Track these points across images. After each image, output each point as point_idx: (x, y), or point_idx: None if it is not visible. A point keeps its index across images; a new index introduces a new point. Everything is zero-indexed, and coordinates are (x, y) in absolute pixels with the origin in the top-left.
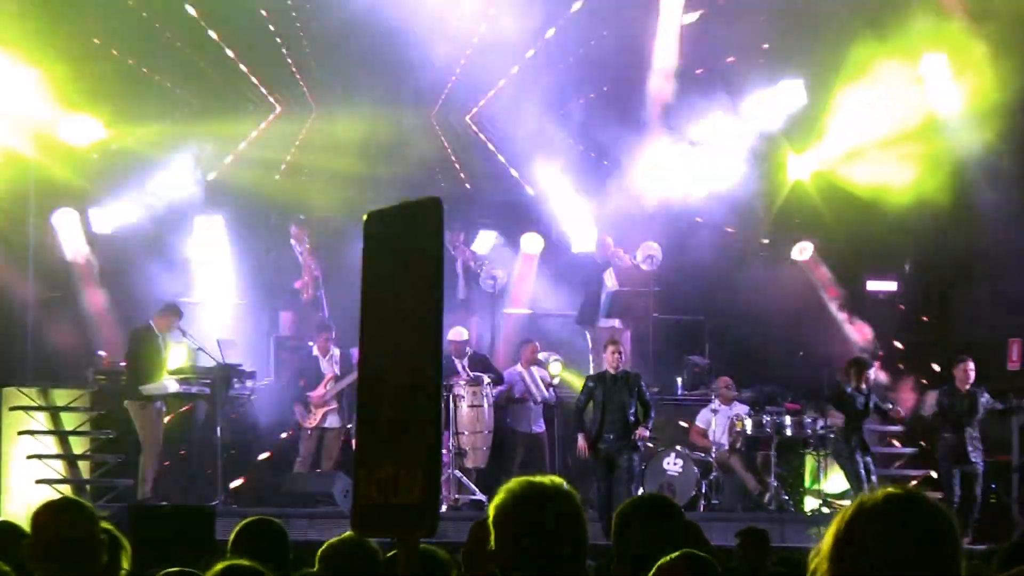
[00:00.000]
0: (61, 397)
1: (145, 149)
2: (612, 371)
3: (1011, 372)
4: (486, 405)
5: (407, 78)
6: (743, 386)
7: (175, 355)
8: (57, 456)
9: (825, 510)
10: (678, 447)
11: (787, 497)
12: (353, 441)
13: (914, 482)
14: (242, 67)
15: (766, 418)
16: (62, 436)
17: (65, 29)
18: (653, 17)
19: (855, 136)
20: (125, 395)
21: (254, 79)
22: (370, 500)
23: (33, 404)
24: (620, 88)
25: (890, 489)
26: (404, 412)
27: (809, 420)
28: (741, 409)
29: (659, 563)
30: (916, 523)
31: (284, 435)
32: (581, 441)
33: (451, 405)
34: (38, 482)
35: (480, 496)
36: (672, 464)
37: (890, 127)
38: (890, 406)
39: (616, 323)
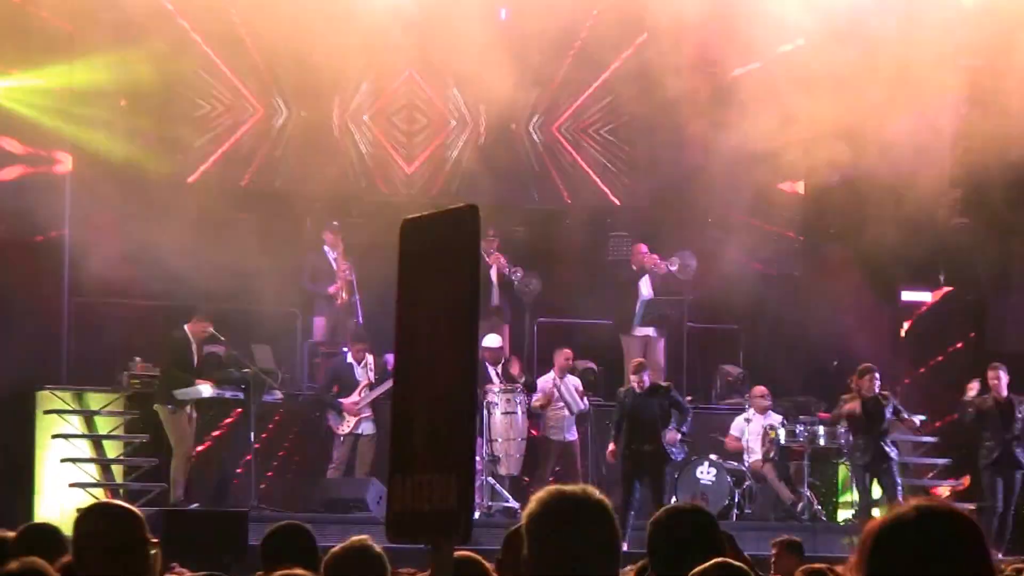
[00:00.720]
0: (95, 401)
1: None
2: (638, 390)
3: None
4: (519, 412)
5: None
6: (778, 395)
7: (208, 361)
8: (91, 460)
9: (858, 521)
10: (712, 456)
11: (820, 507)
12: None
13: (947, 493)
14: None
15: (799, 428)
16: (96, 440)
17: None
18: None
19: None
20: (156, 400)
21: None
22: (404, 506)
23: (67, 407)
24: None
25: (921, 501)
26: (439, 419)
27: (843, 430)
28: (775, 419)
29: (693, 572)
30: (946, 536)
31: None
32: (611, 446)
33: (485, 412)
34: (72, 485)
35: (513, 503)
36: (705, 473)
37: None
38: (905, 415)
39: (651, 331)
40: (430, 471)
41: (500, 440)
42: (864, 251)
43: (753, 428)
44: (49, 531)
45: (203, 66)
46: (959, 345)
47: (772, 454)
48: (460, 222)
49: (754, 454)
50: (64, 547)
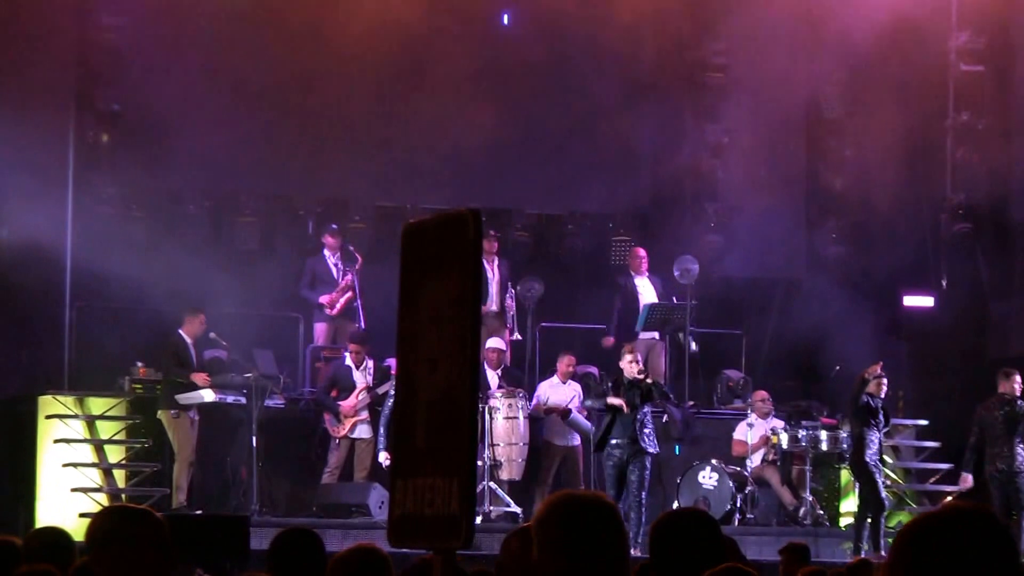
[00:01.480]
0: (97, 405)
1: None
2: (628, 378)
3: None
4: (521, 417)
5: None
6: (779, 400)
7: (212, 366)
8: (93, 464)
9: None
10: (713, 461)
11: (822, 512)
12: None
13: (949, 498)
14: None
15: (801, 432)
16: (98, 444)
17: None
18: None
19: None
20: (159, 405)
21: None
22: (406, 511)
23: (69, 412)
24: None
25: (957, 503)
26: (441, 423)
27: (844, 435)
28: (777, 423)
29: None
30: (983, 539)
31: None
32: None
33: (486, 417)
34: (74, 490)
35: (515, 508)
36: (707, 478)
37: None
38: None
39: (655, 336)
40: (432, 475)
41: (501, 445)
42: (866, 256)
43: (755, 433)
44: (57, 535)
45: None
46: (961, 350)
47: (771, 458)
48: (461, 226)
49: (756, 459)
50: (72, 551)
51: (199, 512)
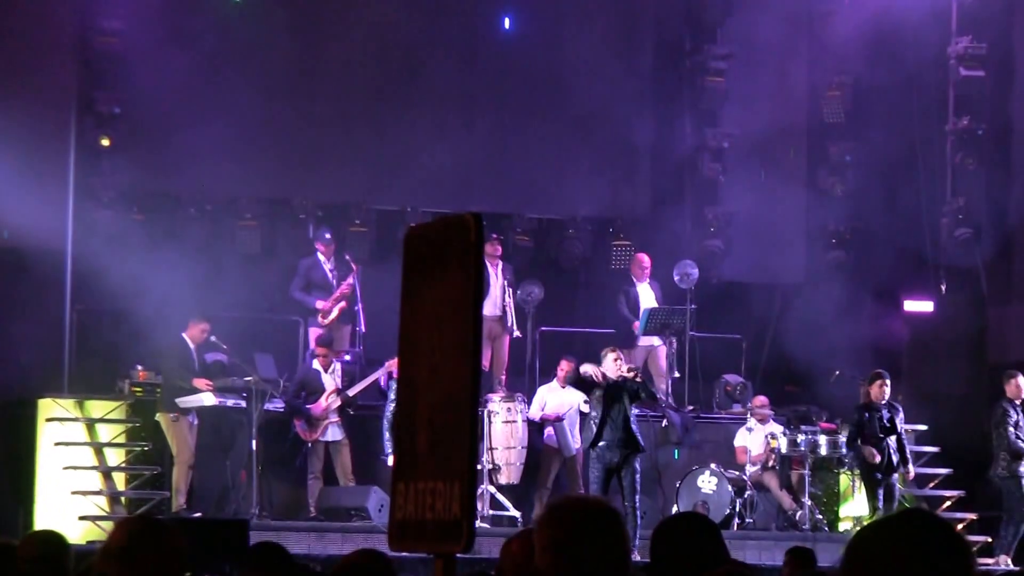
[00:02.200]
0: (97, 408)
1: None
2: (613, 378)
3: None
4: (520, 421)
5: None
6: (779, 405)
7: (214, 369)
8: (92, 468)
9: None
10: (712, 465)
11: (821, 516)
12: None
13: (946, 504)
14: None
15: (800, 437)
16: (97, 448)
17: None
18: None
19: None
20: (159, 408)
21: None
22: (407, 515)
23: (69, 415)
24: None
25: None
26: (442, 427)
27: (844, 440)
28: (776, 428)
29: None
30: (924, 542)
31: None
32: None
33: (485, 421)
34: (73, 493)
35: (513, 512)
36: (706, 482)
37: None
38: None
39: (656, 340)
40: (433, 479)
41: (500, 448)
42: (865, 261)
43: (754, 438)
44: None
45: None
46: (960, 355)
47: (771, 463)
48: (463, 230)
49: (755, 464)
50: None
51: (198, 515)
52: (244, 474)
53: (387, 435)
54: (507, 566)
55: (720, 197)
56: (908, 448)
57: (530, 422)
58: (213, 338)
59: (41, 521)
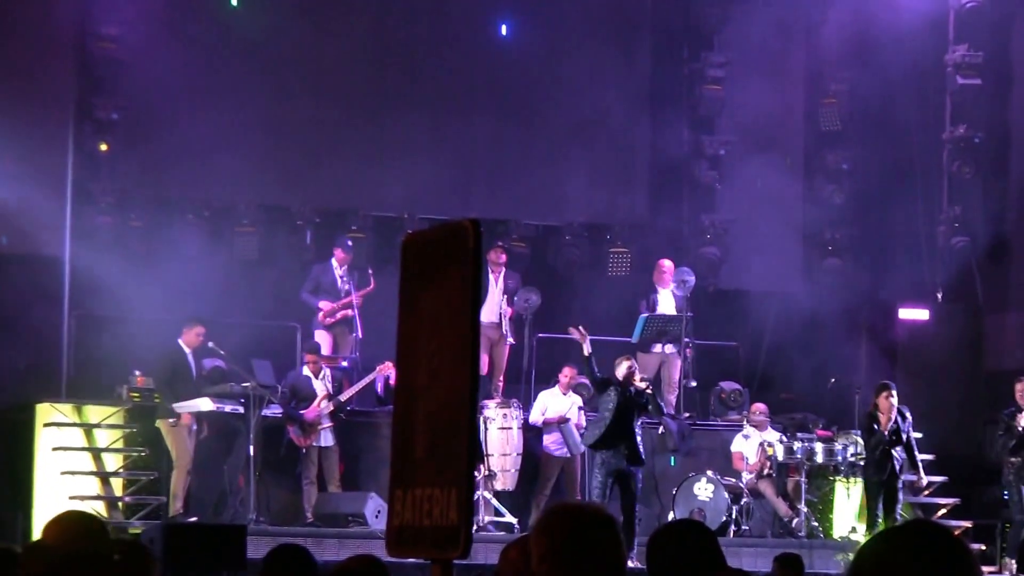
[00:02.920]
0: (95, 414)
1: None
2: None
3: None
4: (516, 427)
5: None
6: (775, 412)
7: (213, 376)
8: (91, 473)
9: (854, 537)
10: (709, 472)
11: (817, 524)
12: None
13: (942, 511)
14: None
15: (796, 444)
16: (95, 453)
17: None
18: None
19: None
20: (158, 414)
21: None
22: (404, 521)
23: (67, 421)
24: None
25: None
26: (439, 434)
27: (840, 447)
28: (773, 435)
29: None
30: (930, 553)
31: None
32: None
33: (481, 427)
34: (72, 498)
35: (510, 518)
36: (703, 489)
37: None
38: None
39: (668, 348)
40: (431, 485)
41: (496, 455)
42: (862, 268)
43: (751, 445)
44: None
45: None
46: (956, 364)
47: (766, 471)
48: (461, 236)
49: (751, 471)
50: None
51: (195, 520)
52: (242, 480)
53: None
54: (506, 572)
55: (717, 204)
56: (919, 457)
57: (527, 428)
58: (211, 344)
59: (38, 528)
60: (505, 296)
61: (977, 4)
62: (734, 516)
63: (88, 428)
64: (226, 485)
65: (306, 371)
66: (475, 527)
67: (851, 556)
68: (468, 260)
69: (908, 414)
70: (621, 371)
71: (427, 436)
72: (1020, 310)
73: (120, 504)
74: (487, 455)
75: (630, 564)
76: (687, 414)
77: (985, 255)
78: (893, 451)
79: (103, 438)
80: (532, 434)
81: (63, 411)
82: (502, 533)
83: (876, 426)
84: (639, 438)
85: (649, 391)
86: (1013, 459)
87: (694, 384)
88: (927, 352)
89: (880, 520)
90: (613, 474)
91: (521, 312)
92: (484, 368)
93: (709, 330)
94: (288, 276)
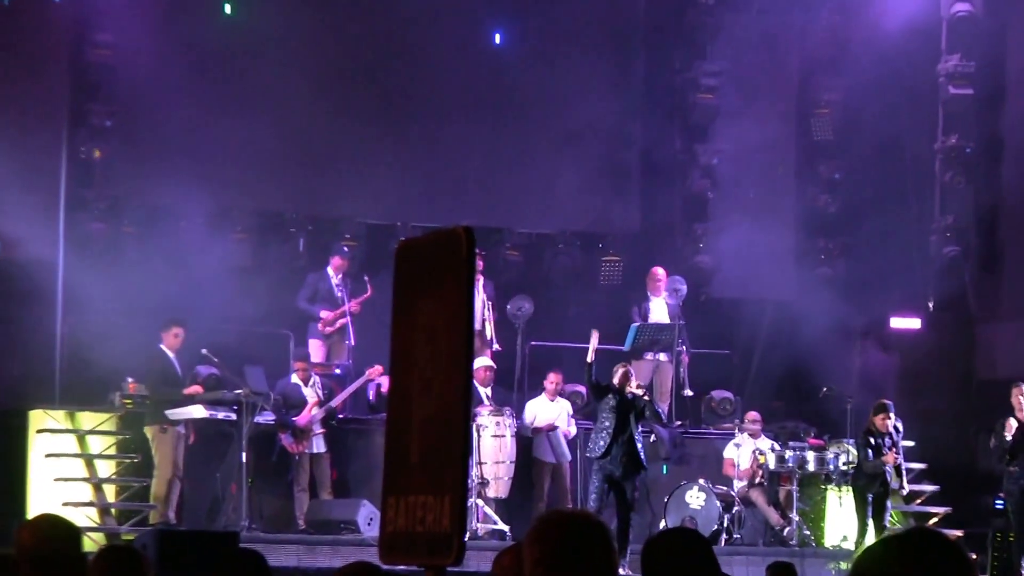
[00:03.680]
0: (88, 420)
1: None
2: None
3: None
4: (508, 435)
5: None
6: (767, 421)
7: (208, 383)
8: (83, 479)
9: (846, 546)
10: (701, 481)
11: (808, 532)
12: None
13: (934, 520)
14: None
15: (788, 453)
16: (88, 459)
17: None
18: None
19: None
20: (146, 420)
21: None
22: (398, 528)
23: (60, 427)
24: None
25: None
26: (433, 441)
27: (831, 456)
28: (765, 444)
29: None
30: (930, 560)
31: None
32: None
33: (474, 434)
34: (64, 505)
35: (502, 526)
36: (695, 498)
37: None
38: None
39: (662, 356)
40: (424, 493)
41: (489, 463)
42: (854, 277)
43: (743, 452)
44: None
45: None
46: (948, 372)
47: (757, 479)
48: (455, 244)
49: (742, 479)
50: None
51: (173, 524)
52: (234, 487)
53: None
54: None
55: (710, 213)
56: (903, 465)
57: (519, 436)
58: (204, 350)
59: None
60: (490, 302)
61: (968, 14)
62: (725, 524)
63: (81, 434)
64: (219, 492)
65: (295, 379)
66: (468, 534)
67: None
68: (461, 267)
69: (900, 427)
70: (617, 377)
71: (420, 443)
72: (1012, 319)
73: (113, 510)
74: (480, 463)
75: (622, 572)
76: (679, 422)
77: (977, 265)
78: (887, 467)
79: (96, 444)
80: (525, 442)
81: (56, 417)
82: (495, 540)
83: (870, 449)
84: (639, 444)
85: (646, 397)
86: (1012, 468)
87: (690, 393)
88: (919, 361)
89: (871, 529)
90: (609, 480)
91: (513, 320)
92: None
93: (701, 339)
94: (281, 283)
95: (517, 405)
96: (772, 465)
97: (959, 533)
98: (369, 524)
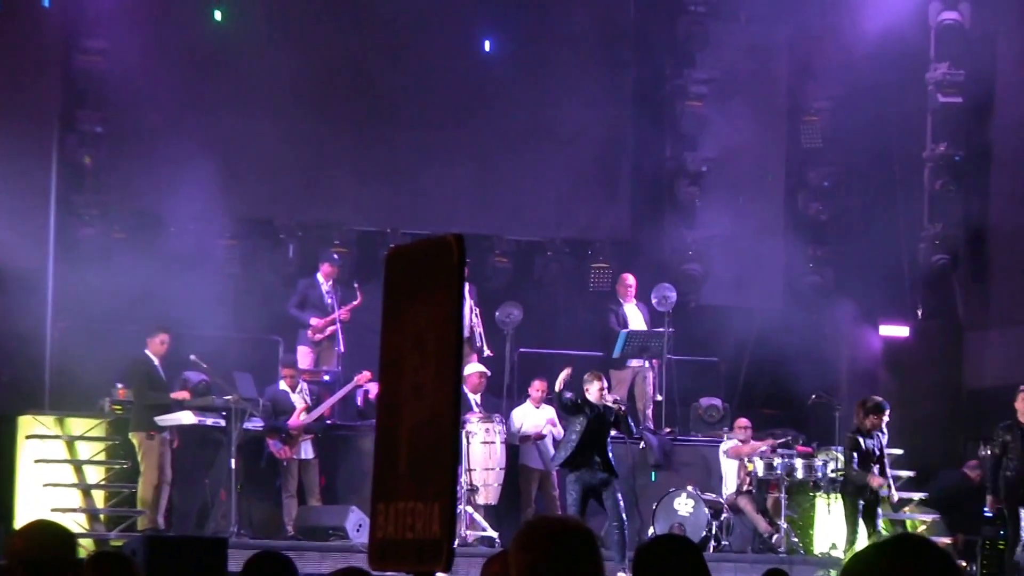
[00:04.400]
0: (77, 426)
1: None
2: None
3: None
4: (498, 442)
5: None
6: (755, 429)
7: (198, 389)
8: (72, 485)
9: (834, 553)
10: (689, 488)
11: (797, 539)
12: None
13: (922, 527)
14: None
15: (777, 461)
16: (77, 465)
17: None
18: None
19: None
20: (131, 427)
21: None
22: (387, 534)
23: (49, 433)
24: None
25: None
26: (422, 448)
27: (820, 463)
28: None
29: None
30: (918, 566)
31: None
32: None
33: (464, 441)
34: (53, 510)
35: (492, 533)
36: (683, 505)
37: None
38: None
39: (644, 363)
40: (414, 499)
41: (479, 469)
42: (843, 285)
43: (731, 463)
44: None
45: None
46: (937, 381)
47: (746, 487)
48: (445, 251)
49: (731, 486)
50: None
51: (177, 533)
52: (223, 493)
53: None
54: None
55: (699, 221)
56: (889, 471)
57: (509, 443)
58: (193, 357)
59: None
60: (477, 308)
61: (956, 22)
62: (714, 531)
63: (70, 440)
64: (208, 498)
65: (283, 385)
66: (457, 541)
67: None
68: (452, 275)
69: (886, 432)
70: (594, 394)
71: (410, 450)
72: (1001, 327)
73: (102, 516)
74: (470, 470)
75: None
76: (667, 429)
77: (966, 273)
78: (875, 467)
79: (85, 450)
80: (514, 449)
81: (45, 423)
82: (484, 547)
83: (856, 453)
84: (611, 453)
85: (621, 410)
86: (1009, 474)
87: (660, 398)
88: (907, 369)
89: (865, 536)
90: (588, 490)
91: (502, 327)
92: None
93: (690, 346)
94: (271, 289)
95: (506, 412)
96: (760, 472)
97: (948, 540)
98: (358, 530)
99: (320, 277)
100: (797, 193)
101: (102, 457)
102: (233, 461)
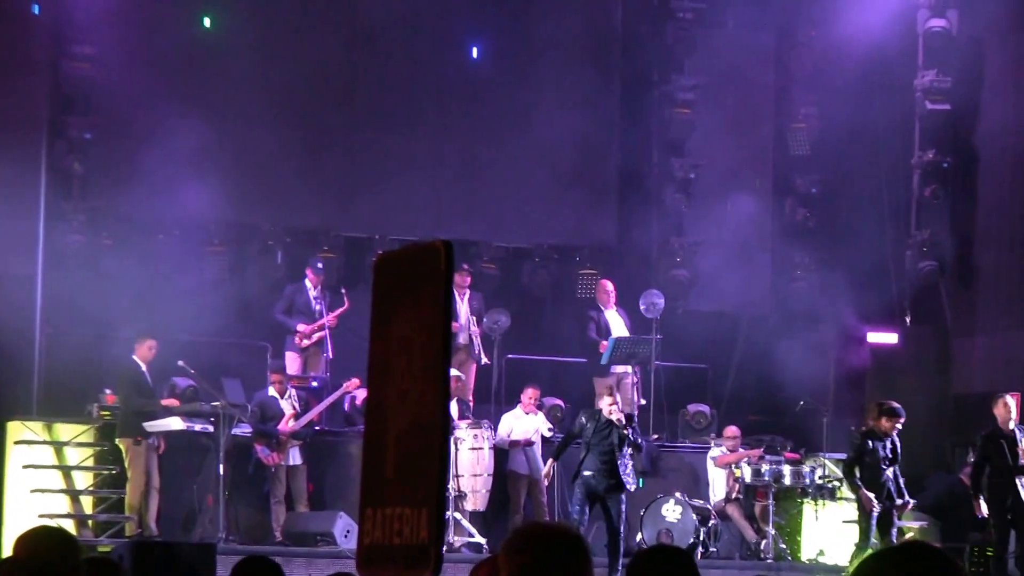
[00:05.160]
0: (65, 432)
1: None
2: (607, 419)
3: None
4: (487, 448)
5: None
6: (743, 435)
7: (186, 395)
8: (61, 491)
9: (822, 560)
10: (677, 494)
11: (784, 546)
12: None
13: (910, 534)
14: None
15: (765, 467)
16: (66, 471)
17: None
18: None
19: None
20: (118, 432)
21: None
22: (375, 540)
23: (37, 438)
24: None
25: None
26: (410, 453)
27: (808, 470)
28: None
29: None
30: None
31: None
32: (546, 467)
33: (452, 447)
34: (41, 516)
35: (479, 539)
36: (671, 511)
37: None
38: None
39: (628, 370)
40: (401, 505)
41: (467, 475)
42: (831, 292)
43: (719, 468)
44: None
45: None
46: (925, 387)
47: (734, 494)
48: (433, 257)
49: (719, 493)
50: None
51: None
52: (211, 499)
53: None
54: None
55: (686, 227)
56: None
57: (497, 449)
58: (181, 363)
59: (7, 545)
60: (473, 317)
61: (944, 29)
62: (702, 538)
63: (58, 446)
64: (195, 504)
65: (272, 391)
66: (445, 547)
67: None
68: (440, 281)
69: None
70: (602, 405)
71: (398, 455)
72: (988, 333)
73: (90, 522)
74: (458, 476)
75: None
76: (655, 436)
77: (953, 279)
78: (887, 472)
79: (73, 456)
80: (502, 455)
81: (33, 429)
82: (472, 553)
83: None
84: (621, 468)
85: (626, 430)
86: (993, 480)
87: (643, 402)
88: (895, 375)
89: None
90: (592, 495)
91: (490, 333)
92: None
93: (678, 352)
94: (259, 295)
95: (494, 418)
96: (748, 479)
97: (936, 546)
98: (346, 536)
99: (308, 282)
100: (784, 199)
101: (90, 463)
102: (221, 467)
